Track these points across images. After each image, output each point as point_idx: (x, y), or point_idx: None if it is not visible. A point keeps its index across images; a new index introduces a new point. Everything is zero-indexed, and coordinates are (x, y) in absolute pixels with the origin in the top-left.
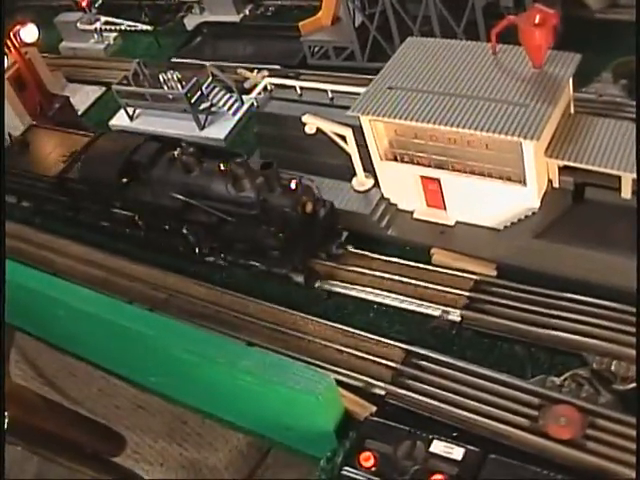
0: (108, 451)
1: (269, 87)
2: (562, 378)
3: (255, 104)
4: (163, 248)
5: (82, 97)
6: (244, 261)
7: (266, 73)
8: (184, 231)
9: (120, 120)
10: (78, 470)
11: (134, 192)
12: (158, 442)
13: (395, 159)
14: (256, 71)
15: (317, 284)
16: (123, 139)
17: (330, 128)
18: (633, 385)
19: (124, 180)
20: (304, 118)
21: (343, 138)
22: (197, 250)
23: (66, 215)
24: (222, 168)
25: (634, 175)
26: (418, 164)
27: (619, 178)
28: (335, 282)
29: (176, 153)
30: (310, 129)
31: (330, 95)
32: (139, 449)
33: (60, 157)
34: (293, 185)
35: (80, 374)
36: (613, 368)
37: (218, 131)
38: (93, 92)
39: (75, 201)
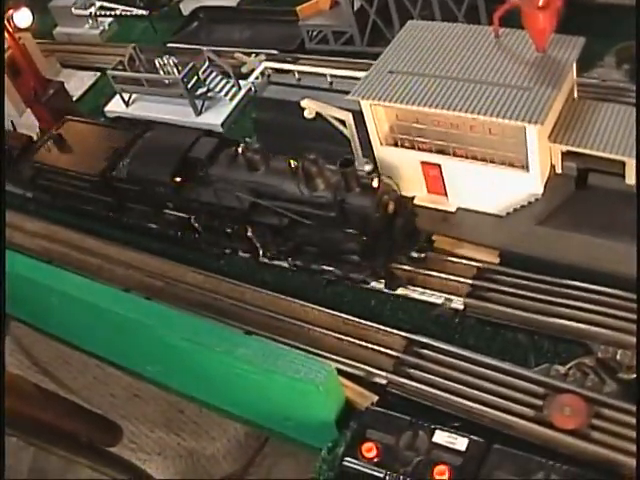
0: (104, 441)
1: (267, 72)
2: (567, 367)
3: (253, 89)
4: (222, 252)
5: (77, 83)
6: (316, 266)
7: (264, 57)
8: (248, 234)
9: (116, 106)
10: (74, 460)
11: (190, 192)
12: (155, 431)
13: (395, 144)
14: (254, 55)
15: (400, 290)
16: (175, 134)
17: (329, 113)
18: None
19: (179, 179)
20: (303, 103)
21: (343, 123)
22: (263, 254)
23: (108, 216)
24: (292, 165)
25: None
26: (419, 149)
27: (623, 164)
28: None
29: (240, 149)
30: (309, 114)
31: (329, 80)
32: (136, 439)
33: (101, 153)
34: (375, 183)
35: (75, 363)
36: (618, 357)
37: (215, 117)
38: (88, 78)
39: (119, 201)
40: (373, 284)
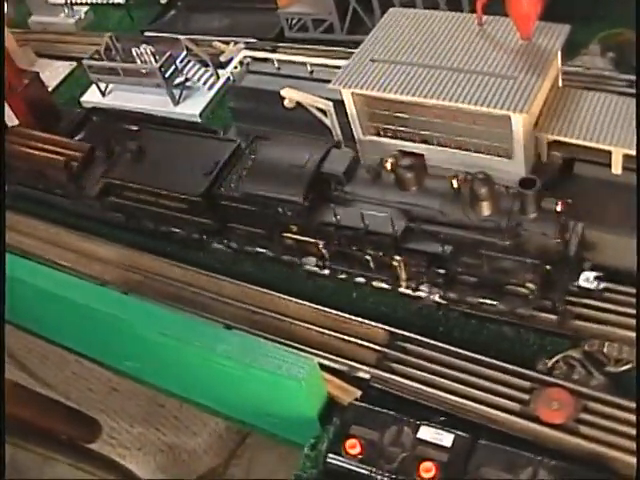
0: (83, 437)
1: (246, 60)
2: (553, 360)
3: (231, 78)
4: (356, 282)
5: (52, 73)
6: (472, 299)
7: (242, 46)
8: (394, 262)
9: (92, 96)
10: (53, 458)
11: (323, 213)
12: (135, 426)
13: (378, 134)
14: (232, 44)
15: (571, 323)
16: (295, 146)
17: (310, 102)
18: (626, 367)
19: (310, 198)
20: (283, 92)
21: (324, 112)
22: (407, 285)
23: (200, 239)
24: (455, 185)
25: (625, 150)
26: (402, 139)
27: (609, 153)
28: None
29: (389, 164)
30: (289, 103)
31: (309, 68)
32: (115, 434)
33: (195, 168)
34: (559, 207)
35: (53, 357)
36: (605, 350)
37: (193, 106)
38: (64, 67)
39: (221, 223)
40: (357, 279)
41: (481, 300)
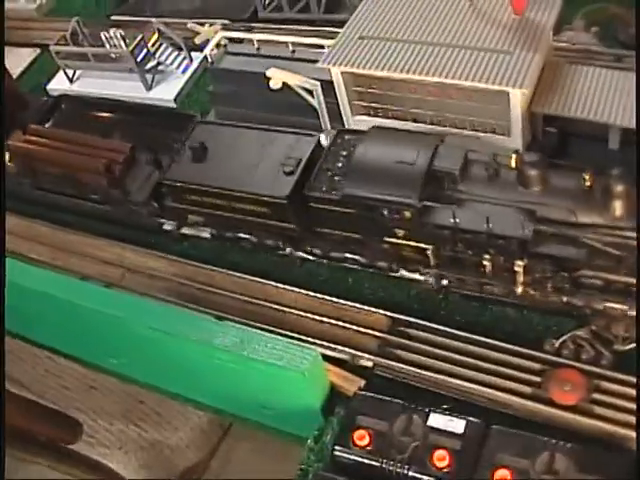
0: (64, 438)
1: (223, 42)
2: (560, 340)
3: (209, 60)
4: (469, 295)
5: (16, 60)
6: (597, 305)
7: (219, 27)
8: (515, 268)
9: (59, 83)
10: (33, 461)
11: (435, 215)
12: (114, 424)
13: (368, 114)
14: (207, 25)
15: None
16: (400, 141)
17: (297, 82)
18: (634, 345)
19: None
20: (269, 72)
21: (310, 93)
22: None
23: (276, 246)
24: (587, 183)
25: (623, 124)
26: (393, 118)
27: (606, 128)
28: None
29: (512, 160)
30: (275, 84)
31: (291, 48)
32: (94, 433)
33: (270, 166)
34: None
35: (25, 356)
36: (612, 328)
37: (167, 91)
38: (27, 54)
39: (308, 228)
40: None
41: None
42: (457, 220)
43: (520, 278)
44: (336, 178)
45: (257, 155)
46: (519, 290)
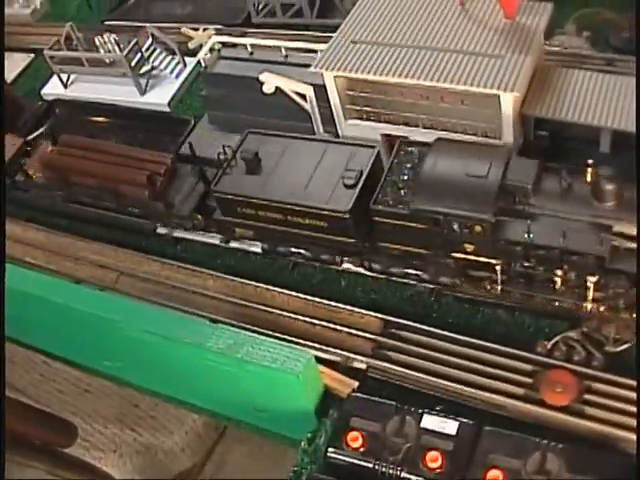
0: (59, 442)
1: (216, 47)
2: (552, 342)
3: (202, 64)
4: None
5: (10, 65)
6: None
7: (212, 32)
8: (588, 284)
9: (53, 88)
10: (28, 465)
11: (506, 230)
12: (109, 427)
13: (360, 118)
14: (202, 29)
15: None
16: (469, 153)
17: (290, 87)
18: (625, 346)
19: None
20: (262, 76)
21: (303, 97)
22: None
23: (332, 260)
24: None
25: (614, 127)
26: (385, 122)
27: (598, 131)
28: None
29: (588, 174)
30: (268, 88)
31: (284, 53)
32: (89, 436)
33: (330, 178)
34: None
35: (19, 360)
36: (603, 330)
37: (161, 96)
38: (21, 59)
39: (370, 242)
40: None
41: None
42: (531, 236)
43: (591, 294)
44: (402, 192)
45: (311, 166)
46: (588, 307)
